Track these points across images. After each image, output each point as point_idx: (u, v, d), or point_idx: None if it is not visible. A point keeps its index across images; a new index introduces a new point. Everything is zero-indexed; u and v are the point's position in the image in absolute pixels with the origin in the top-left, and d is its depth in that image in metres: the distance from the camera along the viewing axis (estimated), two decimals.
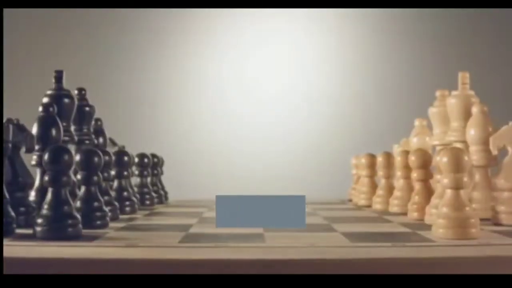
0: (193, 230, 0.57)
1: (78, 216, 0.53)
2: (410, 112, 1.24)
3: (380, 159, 0.83)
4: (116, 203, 0.68)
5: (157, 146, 1.45)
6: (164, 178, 1.07)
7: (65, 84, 0.82)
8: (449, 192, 0.53)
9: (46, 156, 0.53)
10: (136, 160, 0.88)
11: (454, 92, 0.77)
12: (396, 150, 0.98)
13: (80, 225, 0.53)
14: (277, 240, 0.50)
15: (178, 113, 2.07)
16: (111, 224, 0.62)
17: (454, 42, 1.93)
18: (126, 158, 0.75)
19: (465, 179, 0.53)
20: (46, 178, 0.53)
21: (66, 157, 0.53)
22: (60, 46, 1.99)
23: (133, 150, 0.92)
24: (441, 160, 0.53)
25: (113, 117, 2.00)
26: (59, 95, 0.74)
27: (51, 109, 0.68)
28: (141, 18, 2.04)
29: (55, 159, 0.52)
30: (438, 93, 0.84)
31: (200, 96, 2.06)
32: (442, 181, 0.53)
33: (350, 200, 1.00)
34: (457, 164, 0.52)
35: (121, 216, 0.70)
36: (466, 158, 0.53)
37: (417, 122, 0.91)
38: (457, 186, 0.52)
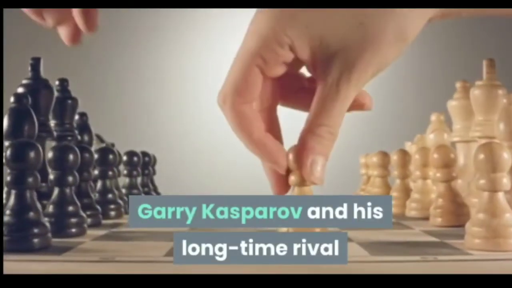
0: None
1: (47, 223, 0.45)
2: (424, 107, 1.16)
3: (394, 158, 0.75)
4: (98, 207, 0.60)
5: (153, 144, 1.37)
6: (160, 178, 0.99)
7: (56, 77, 0.75)
8: (486, 195, 0.45)
9: (8, 153, 0.44)
10: (125, 158, 0.80)
11: (478, 82, 0.69)
12: (410, 147, 0.90)
13: (49, 235, 0.45)
14: None
15: (175, 110, 1.99)
16: (90, 232, 0.53)
17: (471, 29, 1.82)
18: (111, 156, 0.66)
19: (505, 179, 0.44)
20: (8, 178, 0.45)
21: (32, 154, 0.45)
22: (53, 39, 1.91)
23: (126, 149, 0.84)
24: (476, 157, 0.45)
25: (105, 113, 1.93)
26: (36, 85, 0.66)
27: (24, 100, 0.59)
28: (139, 15, 1.97)
29: (19, 156, 0.44)
30: (458, 84, 0.76)
31: (199, 94, 1.99)
32: (477, 182, 0.45)
33: None
34: (496, 162, 0.44)
35: (105, 221, 0.62)
36: (506, 155, 0.45)
37: (433, 117, 0.83)
38: (495, 188, 0.44)
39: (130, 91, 1.99)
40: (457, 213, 0.59)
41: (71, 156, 0.52)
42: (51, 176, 0.52)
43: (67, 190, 0.52)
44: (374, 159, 0.80)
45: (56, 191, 0.52)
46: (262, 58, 0.39)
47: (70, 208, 0.51)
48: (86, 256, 0.41)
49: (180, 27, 2.03)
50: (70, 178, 0.52)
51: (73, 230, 0.51)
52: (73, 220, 0.51)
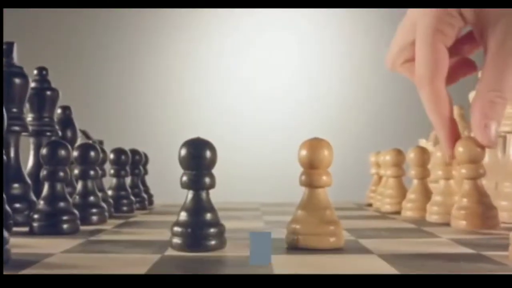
0: (171, 251, 0.41)
1: (5, 233, 0.37)
2: None
3: (411, 156, 0.67)
4: (75, 211, 0.52)
5: (148, 142, 1.30)
6: (157, 178, 0.92)
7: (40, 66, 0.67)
8: None
9: None
10: (111, 156, 0.72)
11: None
12: (425, 145, 0.83)
13: (8, 246, 0.37)
14: (290, 267, 0.35)
15: (171, 106, 1.91)
16: (63, 241, 0.46)
17: None
18: (92, 154, 0.58)
19: None
20: None
21: None
22: (36, 26, 1.83)
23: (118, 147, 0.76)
24: None
25: (94, 108, 1.85)
26: (8, 72, 0.59)
27: None
28: (132, 10, 1.89)
29: None
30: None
31: (198, 90, 1.91)
32: None
33: (370, 205, 0.84)
34: None
35: (84, 228, 0.54)
36: None
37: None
38: None
39: (124, 84, 1.91)
40: (485, 216, 0.51)
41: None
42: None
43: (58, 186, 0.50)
44: (388, 157, 0.73)
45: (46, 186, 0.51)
46: (442, 32, 0.42)
47: (61, 205, 0.50)
48: (51, 274, 0.33)
49: (176, 25, 1.96)
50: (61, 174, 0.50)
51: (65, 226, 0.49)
52: (65, 217, 0.49)
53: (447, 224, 0.56)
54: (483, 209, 0.52)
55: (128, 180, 0.76)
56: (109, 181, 0.74)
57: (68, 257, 0.39)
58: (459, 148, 0.52)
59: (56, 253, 0.40)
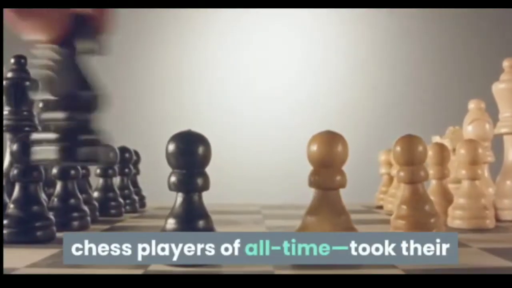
0: (156, 266, 0.34)
1: None
2: (456, 93, 1.02)
3: (429, 153, 0.60)
4: (51, 216, 0.46)
5: (143, 141, 1.23)
6: (152, 178, 0.86)
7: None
8: None
9: None
10: None
11: None
12: (442, 141, 0.76)
13: None
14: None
15: (169, 102, 1.85)
16: (37, 250, 0.40)
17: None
18: None
19: None
20: None
21: None
22: None
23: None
24: None
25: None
26: None
27: None
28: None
29: None
30: (506, 63, 0.63)
31: (197, 88, 1.85)
32: None
33: (380, 207, 0.78)
34: None
35: (62, 235, 0.48)
36: None
37: (472, 105, 0.69)
38: None
39: (117, 80, 1.85)
40: (425, 225, 0.43)
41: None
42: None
43: (31, 187, 0.44)
44: None
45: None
46: None
47: (35, 209, 0.44)
48: None
49: (174, 21, 1.90)
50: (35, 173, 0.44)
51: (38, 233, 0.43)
52: (39, 223, 0.43)
53: (474, 230, 0.50)
54: (424, 217, 0.43)
55: (117, 181, 0.70)
56: (95, 182, 0.67)
57: (38, 271, 0.33)
58: (397, 148, 0.44)
59: (20, 267, 0.34)
